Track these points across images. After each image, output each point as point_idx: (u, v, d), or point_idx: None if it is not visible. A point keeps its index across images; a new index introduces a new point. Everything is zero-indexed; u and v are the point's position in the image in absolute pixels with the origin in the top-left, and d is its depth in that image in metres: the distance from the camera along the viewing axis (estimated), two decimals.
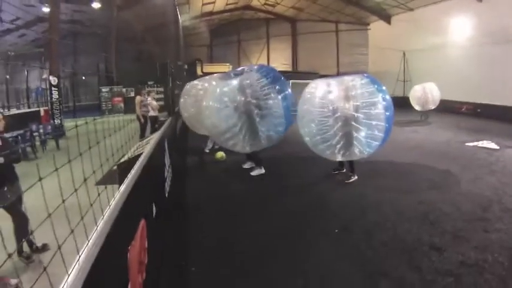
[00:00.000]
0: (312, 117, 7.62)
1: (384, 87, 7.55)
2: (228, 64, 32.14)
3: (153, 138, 6.28)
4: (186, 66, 25.74)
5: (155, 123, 12.96)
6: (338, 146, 7.42)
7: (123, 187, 2.92)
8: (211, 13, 33.14)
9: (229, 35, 39.77)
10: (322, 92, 7.68)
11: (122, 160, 4.68)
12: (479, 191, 7.36)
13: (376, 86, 7.35)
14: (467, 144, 12.51)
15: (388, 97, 7.47)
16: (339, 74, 32.58)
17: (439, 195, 7.21)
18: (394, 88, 25.40)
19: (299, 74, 25.89)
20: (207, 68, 30.37)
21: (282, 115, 7.89)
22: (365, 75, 7.83)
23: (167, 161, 6.80)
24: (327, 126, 7.39)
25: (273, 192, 7.87)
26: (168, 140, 7.46)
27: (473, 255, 4.65)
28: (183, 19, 26.62)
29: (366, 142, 7.30)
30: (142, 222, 3.20)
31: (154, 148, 5.08)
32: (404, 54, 27.29)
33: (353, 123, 7.20)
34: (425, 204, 6.67)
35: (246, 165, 9.75)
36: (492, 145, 12.14)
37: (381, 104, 7.19)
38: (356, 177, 8.36)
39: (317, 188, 8.04)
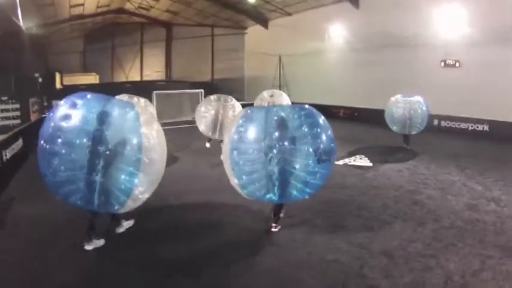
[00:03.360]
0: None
1: None
2: (94, 74, 29.24)
3: None
4: (40, 79, 22.02)
5: None
6: None
7: None
8: (81, 16, 29.55)
9: (103, 41, 36.32)
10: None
11: None
12: None
13: None
14: (336, 162, 11.43)
15: None
16: (213, 80, 32.15)
17: None
18: None
19: (168, 84, 23.94)
20: (68, 80, 26.81)
21: None
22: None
23: None
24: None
25: None
26: None
27: None
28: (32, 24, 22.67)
29: None
30: None
31: None
32: (280, 58, 27.10)
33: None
34: None
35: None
36: (365, 161, 11.75)
37: None
38: None
39: None
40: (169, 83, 26.19)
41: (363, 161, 11.89)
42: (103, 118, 5.42)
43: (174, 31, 36.19)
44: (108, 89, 21.84)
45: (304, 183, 5.91)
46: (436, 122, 18.51)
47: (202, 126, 12.67)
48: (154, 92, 19.67)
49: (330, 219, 7.08)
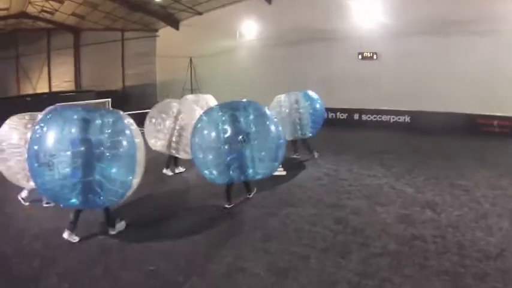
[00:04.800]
0: None
1: None
2: None
3: None
4: None
5: None
6: None
7: None
8: None
9: (6, 50, 32.75)
10: None
11: None
12: None
13: None
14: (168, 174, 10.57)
15: None
16: (124, 88, 30.61)
17: None
18: (180, 98, 23.50)
19: (73, 95, 21.92)
20: None
21: None
22: None
23: None
24: None
25: None
26: None
27: None
28: None
29: None
30: None
31: None
32: (191, 60, 25.94)
33: None
34: None
35: None
36: (279, 170, 9.99)
37: None
38: None
39: None
40: (75, 93, 23.89)
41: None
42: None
43: (82, 36, 33.61)
44: (2, 103, 19.86)
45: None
46: (356, 116, 18.31)
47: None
48: (57, 104, 17.59)
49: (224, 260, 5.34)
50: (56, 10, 28.49)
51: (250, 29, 22.30)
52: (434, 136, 14.54)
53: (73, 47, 33.88)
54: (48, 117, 5.78)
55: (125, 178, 5.82)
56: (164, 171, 10.46)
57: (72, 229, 6.13)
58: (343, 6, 18.34)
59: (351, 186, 8.45)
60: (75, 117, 5.70)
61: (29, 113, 8.34)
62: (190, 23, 26.17)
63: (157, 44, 30.35)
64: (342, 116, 18.54)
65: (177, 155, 10.00)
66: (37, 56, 33.56)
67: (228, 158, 6.85)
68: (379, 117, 17.78)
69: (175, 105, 10.06)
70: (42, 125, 5.63)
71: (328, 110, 18.57)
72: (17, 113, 7.81)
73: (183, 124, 9.61)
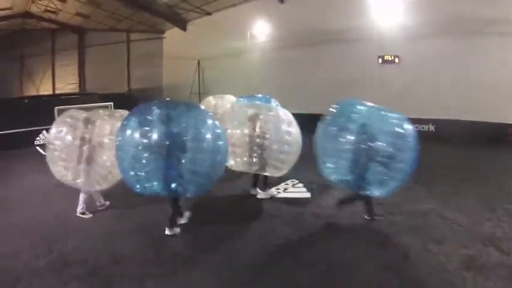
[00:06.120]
0: None
1: None
2: None
3: None
4: None
5: None
6: None
7: None
8: None
9: (11, 50, 32.46)
10: None
11: None
12: None
13: None
14: (259, 196, 8.65)
15: None
16: (130, 91, 30.00)
17: None
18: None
19: (74, 97, 21.14)
20: None
21: None
22: None
23: None
24: None
25: None
26: None
27: None
28: None
29: None
30: None
31: None
32: (199, 63, 25.27)
33: None
34: None
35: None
36: (300, 190, 8.99)
37: None
38: None
39: None
40: (76, 96, 23.11)
41: (296, 189, 9.11)
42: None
43: (87, 37, 33.21)
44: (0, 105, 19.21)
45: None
46: None
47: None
48: (56, 107, 17.27)
49: None
50: (60, 10, 28.13)
51: (261, 30, 21.35)
52: (463, 147, 13.34)
53: (77, 48, 33.61)
54: (134, 113, 6.38)
55: (207, 170, 6.12)
56: (253, 192, 8.71)
57: (173, 224, 6.74)
58: (361, 6, 17.16)
59: (393, 215, 7.23)
60: (159, 111, 6.17)
61: (77, 110, 8.42)
62: (198, 24, 25.44)
63: (164, 45, 29.76)
64: None
65: (264, 173, 8.16)
66: (41, 57, 33.62)
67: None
68: None
69: (251, 110, 8.17)
70: (130, 119, 6.26)
71: None
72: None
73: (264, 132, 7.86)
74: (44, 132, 17.80)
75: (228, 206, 8.14)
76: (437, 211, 7.29)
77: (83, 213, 7.67)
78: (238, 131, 7.94)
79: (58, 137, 7.40)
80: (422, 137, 14.79)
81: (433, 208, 7.41)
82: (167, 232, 6.66)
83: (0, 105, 19.13)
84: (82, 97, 21.97)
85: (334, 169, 6.87)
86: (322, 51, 18.73)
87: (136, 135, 6.07)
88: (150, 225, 7.09)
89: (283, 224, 6.99)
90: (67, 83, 33.01)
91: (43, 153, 16.06)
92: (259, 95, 9.43)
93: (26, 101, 21.66)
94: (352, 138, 6.47)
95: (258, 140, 7.76)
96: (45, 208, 8.29)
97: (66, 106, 17.49)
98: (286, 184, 9.23)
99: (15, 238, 6.70)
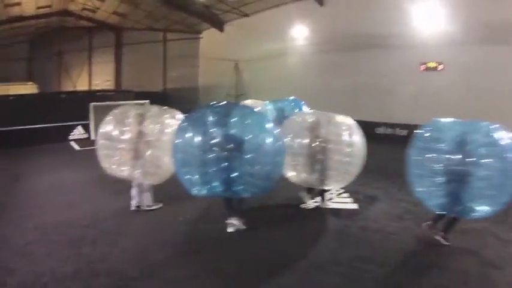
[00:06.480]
0: None
1: None
2: (30, 83, 25.76)
3: None
4: None
5: None
6: None
7: None
8: (21, 18, 26.50)
9: (50, 47, 33.32)
10: None
11: None
12: None
13: None
14: (303, 205, 8.01)
15: None
16: (166, 90, 30.16)
17: None
18: None
19: (110, 94, 21.27)
20: None
21: None
22: None
23: None
24: None
25: None
26: None
27: None
28: None
29: None
30: None
31: None
32: (236, 64, 25.00)
33: None
34: None
35: None
36: (345, 200, 8.37)
37: None
38: None
39: None
40: (112, 93, 23.31)
41: (341, 199, 8.45)
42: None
43: (124, 36, 33.60)
44: (38, 100, 19.70)
45: None
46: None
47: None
48: (92, 104, 17.88)
49: None
50: (98, 8, 28.54)
51: (300, 33, 21.07)
52: None
53: (114, 46, 34.01)
54: (193, 115, 6.58)
55: (267, 171, 6.19)
56: (304, 197, 8.04)
57: (234, 216, 6.77)
58: (403, 11, 16.50)
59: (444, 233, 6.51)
60: (218, 114, 6.28)
61: (130, 105, 8.97)
62: (236, 25, 25.29)
63: (200, 46, 29.85)
64: (401, 132, 16.68)
65: (322, 187, 7.64)
66: (79, 54, 34.12)
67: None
68: None
69: (309, 116, 7.70)
70: (189, 121, 6.46)
71: (385, 124, 17.31)
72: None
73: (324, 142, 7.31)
74: (79, 127, 18.09)
75: (273, 215, 7.68)
76: (492, 231, 6.61)
77: (138, 207, 7.72)
78: (298, 141, 7.45)
79: (111, 132, 7.42)
80: None
81: (486, 227, 6.76)
82: (230, 222, 6.76)
83: (38, 100, 19.45)
84: (118, 94, 22.11)
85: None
86: (362, 57, 18.17)
87: (195, 137, 6.12)
88: (190, 235, 6.72)
89: (329, 239, 6.47)
90: (103, 80, 33.39)
91: (77, 148, 16.37)
92: (291, 98, 9.04)
93: (62, 96, 21.96)
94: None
95: (317, 150, 7.28)
96: (76, 207, 8.05)
97: (102, 103, 17.76)
98: (331, 193, 8.65)
99: (44, 239, 6.43)
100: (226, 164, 5.99)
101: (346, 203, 8.17)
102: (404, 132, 16.31)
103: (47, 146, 15.93)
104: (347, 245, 6.18)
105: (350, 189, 8.61)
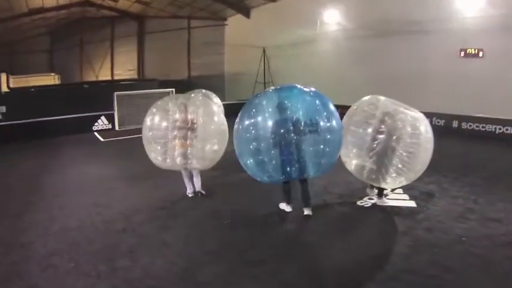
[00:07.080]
0: None
1: None
2: (52, 74, 25.69)
3: None
4: None
5: None
6: None
7: None
8: (42, 10, 26.45)
9: (71, 38, 33.94)
10: None
11: None
12: None
13: None
14: (360, 203, 7.36)
15: None
16: (190, 78, 29.81)
17: None
18: (253, 91, 22.12)
19: (133, 83, 21.02)
20: (17, 82, 22.88)
21: None
22: None
23: None
24: None
25: None
26: None
27: None
28: None
29: None
30: None
31: None
32: (264, 51, 24.23)
33: None
34: None
35: None
36: (401, 197, 7.55)
37: None
38: None
39: None
40: (135, 82, 23.02)
41: (396, 195, 7.64)
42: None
43: (147, 24, 33.44)
44: (60, 91, 20.05)
45: None
46: (455, 124, 15.39)
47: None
48: (116, 93, 17.46)
49: None
50: None
51: (332, 18, 20.06)
52: None
53: (137, 35, 33.97)
54: (250, 102, 6.54)
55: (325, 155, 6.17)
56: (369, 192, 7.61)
57: (288, 201, 6.92)
58: None
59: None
60: (275, 99, 6.25)
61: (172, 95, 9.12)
62: (263, 10, 24.53)
63: (226, 33, 29.17)
64: (438, 122, 15.65)
65: (383, 185, 7.02)
66: (101, 44, 34.53)
67: None
68: (482, 127, 14.82)
69: (374, 102, 7.14)
70: (247, 110, 6.38)
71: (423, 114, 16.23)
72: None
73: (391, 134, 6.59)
74: (103, 117, 17.66)
75: (331, 214, 7.02)
76: None
77: (192, 194, 7.95)
78: (360, 130, 6.84)
79: (158, 123, 7.50)
80: (507, 140, 13.24)
81: None
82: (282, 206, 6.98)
83: (60, 90, 19.28)
84: (142, 83, 21.77)
85: None
86: (398, 43, 17.24)
87: (266, 121, 6.08)
88: (242, 244, 5.79)
89: (397, 243, 5.69)
90: (126, 69, 33.38)
91: (101, 139, 15.95)
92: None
93: (85, 86, 21.68)
94: None
95: (378, 142, 6.59)
96: (106, 207, 7.34)
97: (125, 92, 17.41)
98: (385, 189, 7.82)
99: (70, 248, 5.58)
100: (302, 147, 6.00)
101: (404, 200, 7.39)
102: (441, 122, 15.56)
103: (70, 137, 15.64)
104: (417, 250, 5.38)
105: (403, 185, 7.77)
